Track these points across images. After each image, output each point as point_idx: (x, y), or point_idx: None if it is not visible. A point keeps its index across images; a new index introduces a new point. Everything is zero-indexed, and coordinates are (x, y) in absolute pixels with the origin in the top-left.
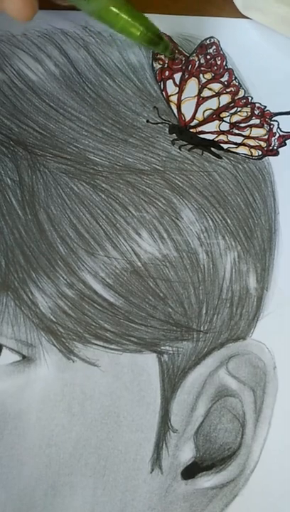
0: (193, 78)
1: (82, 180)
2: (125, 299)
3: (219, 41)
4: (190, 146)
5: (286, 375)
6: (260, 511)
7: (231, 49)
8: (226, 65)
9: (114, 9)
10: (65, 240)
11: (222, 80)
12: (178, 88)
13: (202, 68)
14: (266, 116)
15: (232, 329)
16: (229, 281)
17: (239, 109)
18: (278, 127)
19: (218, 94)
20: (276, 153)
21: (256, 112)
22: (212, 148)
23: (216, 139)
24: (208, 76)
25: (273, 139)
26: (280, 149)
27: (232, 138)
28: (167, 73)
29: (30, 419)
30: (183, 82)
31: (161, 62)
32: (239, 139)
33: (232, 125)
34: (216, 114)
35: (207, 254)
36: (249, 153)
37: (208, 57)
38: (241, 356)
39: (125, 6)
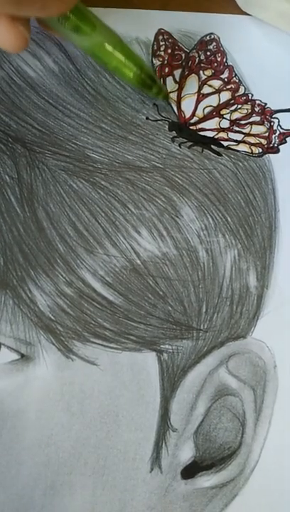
0: (193, 75)
1: (81, 178)
2: (124, 298)
3: (219, 37)
4: (190, 143)
5: (286, 373)
6: (260, 511)
7: (231, 45)
8: (226, 61)
9: (108, 47)
10: (63, 237)
11: (223, 76)
12: (177, 85)
13: (202, 65)
14: (266, 114)
15: (232, 328)
16: (230, 280)
17: (239, 106)
18: (279, 124)
19: (218, 91)
20: (277, 151)
21: (257, 109)
22: (212, 146)
23: (216, 137)
24: (208, 73)
25: (273, 136)
26: (280, 147)
27: (232, 135)
28: (167, 70)
29: (29, 418)
30: (183, 78)
31: (161, 59)
32: (239, 137)
33: (232, 122)
34: (216, 111)
35: (207, 252)
36: (250, 151)
37: (208, 53)
38: (241, 355)
39: (120, 44)
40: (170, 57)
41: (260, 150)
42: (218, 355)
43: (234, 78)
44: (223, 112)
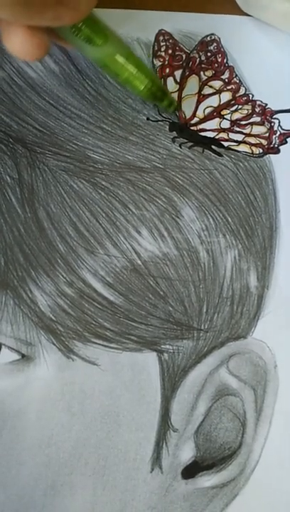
0: (194, 75)
1: (81, 178)
2: (125, 298)
3: (220, 38)
4: (191, 143)
5: (286, 373)
6: (260, 510)
7: (232, 46)
8: (227, 62)
9: (119, 59)
10: (64, 238)
11: (223, 77)
12: (178, 85)
13: (203, 65)
14: (267, 114)
15: (232, 328)
16: (230, 280)
17: (239, 106)
18: (279, 125)
19: (219, 92)
20: (277, 151)
21: (257, 110)
22: (213, 146)
23: (217, 137)
24: (209, 73)
25: (274, 136)
26: (281, 147)
27: (232, 136)
28: (167, 70)
29: (30, 419)
30: (184, 79)
31: (162, 60)
32: (239, 137)
33: (233, 123)
34: (217, 112)
35: (207, 252)
36: (250, 151)
37: (209, 54)
38: (241, 355)
39: (132, 56)
40: (170, 58)
41: (261, 150)
42: (219, 355)
43: (235, 79)
44: (224, 112)
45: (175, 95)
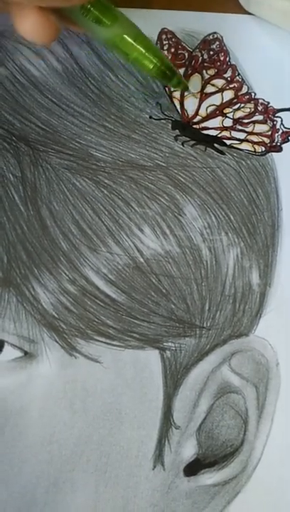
0: (196, 74)
1: (84, 176)
2: (127, 295)
3: (222, 37)
4: (193, 142)
5: (288, 371)
6: (262, 508)
7: (234, 45)
8: (229, 60)
9: (128, 38)
10: (67, 235)
11: (225, 75)
12: None
13: (206, 64)
14: (269, 113)
15: (234, 326)
16: (232, 278)
17: (242, 105)
18: (282, 123)
19: (221, 90)
20: (280, 150)
21: (260, 108)
22: (215, 144)
23: (219, 135)
24: (211, 72)
25: (276, 135)
26: (283, 145)
27: (235, 134)
28: None
29: (32, 416)
30: (186, 77)
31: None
32: (242, 135)
33: (235, 121)
34: (219, 110)
35: (210, 250)
36: (253, 150)
37: (211, 52)
38: (244, 353)
39: (141, 36)
40: (173, 57)
41: (263, 149)
42: (221, 352)
43: (237, 77)
44: (226, 110)
45: (177, 94)
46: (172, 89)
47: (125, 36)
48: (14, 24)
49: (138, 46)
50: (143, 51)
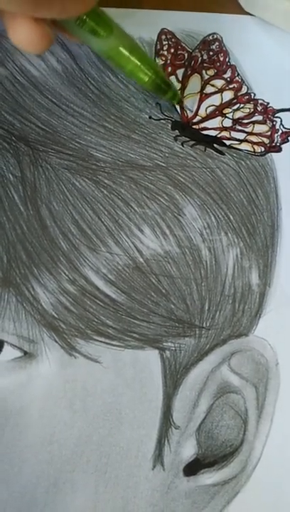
0: (196, 74)
1: (84, 176)
2: (127, 295)
3: (222, 37)
4: (193, 142)
5: (288, 371)
6: (262, 508)
7: (234, 45)
8: (229, 61)
9: (123, 50)
10: (67, 235)
11: (225, 76)
12: (180, 84)
13: (205, 64)
14: (269, 113)
15: (234, 326)
16: (232, 278)
17: (241, 105)
18: (281, 124)
19: (221, 91)
20: (279, 150)
21: (259, 109)
22: (215, 145)
23: (219, 136)
24: (211, 72)
25: (276, 135)
26: (283, 146)
27: (234, 134)
28: (170, 69)
29: (32, 416)
30: (186, 78)
31: (164, 58)
32: (241, 136)
33: (235, 121)
34: (219, 111)
35: (209, 250)
36: (252, 150)
37: (211, 53)
38: (243, 353)
39: (136, 48)
40: (173, 57)
41: (262, 149)
42: (220, 352)
43: (237, 77)
44: (226, 111)
45: None
46: None
47: (120, 48)
48: (8, 32)
49: (133, 58)
50: (139, 63)
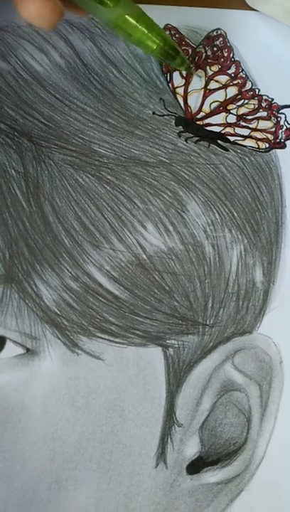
0: (200, 70)
1: (87, 172)
2: (130, 292)
3: (226, 33)
4: (197, 138)
5: None
6: (266, 506)
7: (238, 41)
8: (233, 57)
9: (130, 19)
10: (69, 232)
11: (229, 72)
12: (184, 80)
13: (209, 60)
14: (273, 109)
15: (238, 323)
16: (236, 275)
17: (246, 101)
18: (286, 120)
19: (225, 87)
20: (284, 146)
21: (264, 105)
22: (219, 141)
23: (223, 132)
24: (215, 68)
25: (280, 131)
26: (287, 142)
27: (238, 130)
28: None
29: (34, 413)
30: (190, 74)
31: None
32: (246, 132)
33: (239, 117)
34: (223, 106)
35: (213, 247)
36: (256, 146)
37: (215, 49)
38: (247, 350)
39: (143, 16)
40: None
41: (267, 145)
42: (224, 350)
43: (241, 73)
44: (230, 107)
45: (181, 90)
46: (175, 85)
47: (127, 17)
48: (17, 8)
49: (140, 27)
50: (146, 31)
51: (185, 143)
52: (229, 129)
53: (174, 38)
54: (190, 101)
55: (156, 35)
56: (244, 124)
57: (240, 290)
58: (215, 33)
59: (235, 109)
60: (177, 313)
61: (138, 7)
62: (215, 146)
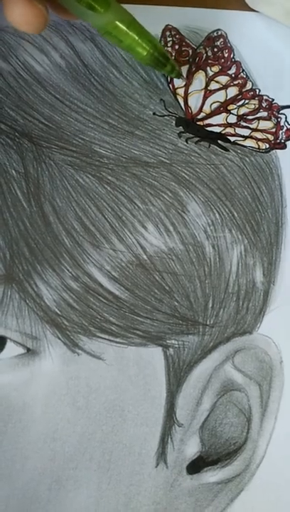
0: (200, 71)
1: (87, 173)
2: (130, 292)
3: (226, 34)
4: (197, 138)
5: None
6: (266, 506)
7: (238, 41)
8: (233, 57)
9: (121, 25)
10: (70, 232)
11: (230, 72)
12: (185, 81)
13: (210, 61)
14: (273, 109)
15: (238, 323)
16: (236, 275)
17: (246, 101)
18: (286, 120)
19: (225, 87)
20: (284, 147)
21: (264, 105)
22: (219, 141)
23: (223, 132)
24: (215, 69)
25: (280, 132)
26: (287, 142)
27: (239, 130)
28: None
29: (35, 413)
30: (190, 75)
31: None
32: (246, 132)
33: (240, 118)
34: (223, 107)
35: (213, 247)
36: (257, 146)
37: (215, 49)
38: (247, 350)
39: (134, 23)
40: (177, 54)
41: (267, 146)
42: (224, 350)
43: (242, 74)
44: (230, 107)
45: (181, 91)
46: (176, 85)
47: (118, 23)
48: (4, 11)
49: (131, 33)
50: (137, 38)
51: (185, 143)
52: (229, 129)
53: (174, 39)
54: (191, 101)
55: (147, 42)
56: (244, 124)
57: (240, 290)
58: (215, 34)
59: (236, 110)
60: (177, 313)
61: (129, 13)
62: (216, 147)
